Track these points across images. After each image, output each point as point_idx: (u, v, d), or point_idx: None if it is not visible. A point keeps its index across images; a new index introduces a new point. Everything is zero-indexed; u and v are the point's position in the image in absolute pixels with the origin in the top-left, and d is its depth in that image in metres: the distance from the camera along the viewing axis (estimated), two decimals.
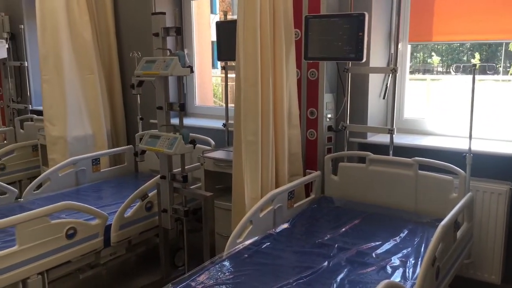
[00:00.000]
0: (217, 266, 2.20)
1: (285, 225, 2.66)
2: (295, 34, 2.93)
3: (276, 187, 2.82)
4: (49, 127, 3.79)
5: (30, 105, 4.99)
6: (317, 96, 3.04)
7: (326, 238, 2.48)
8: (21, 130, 4.81)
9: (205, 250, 2.76)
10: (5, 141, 4.87)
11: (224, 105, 3.59)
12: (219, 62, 4.61)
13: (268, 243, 2.43)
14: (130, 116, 4.32)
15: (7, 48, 4.82)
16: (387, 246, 2.36)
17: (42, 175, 3.46)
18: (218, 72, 7.13)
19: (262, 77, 2.66)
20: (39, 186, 3.40)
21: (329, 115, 3.09)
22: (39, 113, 4.70)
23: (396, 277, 2.05)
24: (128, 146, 4.04)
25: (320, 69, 2.99)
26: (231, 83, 3.99)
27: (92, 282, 3.10)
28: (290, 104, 2.91)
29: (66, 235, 2.54)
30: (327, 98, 3.05)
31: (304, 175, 3.06)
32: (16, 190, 3.28)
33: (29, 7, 4.86)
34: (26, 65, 4.92)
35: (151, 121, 4.11)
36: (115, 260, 2.97)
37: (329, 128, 3.10)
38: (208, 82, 4.65)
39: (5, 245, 2.44)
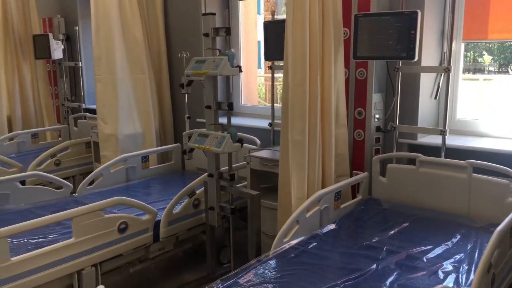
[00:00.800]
0: (264, 264, 2.21)
1: (332, 226, 2.64)
2: (344, 33, 2.90)
3: (323, 187, 2.80)
4: (101, 125, 3.94)
5: (84, 104, 5.20)
6: (365, 96, 2.99)
7: (374, 240, 2.43)
8: (75, 128, 5.03)
9: (250, 249, 2.78)
10: (59, 138, 5.11)
11: (268, 104, 3.60)
12: (262, 62, 4.62)
13: (315, 244, 2.42)
14: (178, 115, 4.41)
15: (62, 49, 5.05)
16: (438, 250, 2.29)
17: (95, 171, 3.60)
18: (261, 72, 7.17)
19: (310, 77, 2.65)
20: (92, 181, 3.54)
21: (377, 115, 3.04)
22: (92, 111, 4.90)
23: (449, 283, 1.99)
24: (176, 144, 4.13)
25: (369, 68, 2.94)
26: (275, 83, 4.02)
27: (141, 276, 3.19)
28: (338, 104, 2.88)
29: (118, 229, 2.63)
30: (375, 98, 3.00)
31: (351, 176, 3.03)
32: (71, 185, 3.44)
33: (83, 10, 5.08)
34: (80, 65, 5.14)
35: (198, 119, 4.19)
36: (163, 255, 3.05)
37: (377, 129, 3.05)
38: (254, 81, 4.67)
39: (61, 237, 2.57)
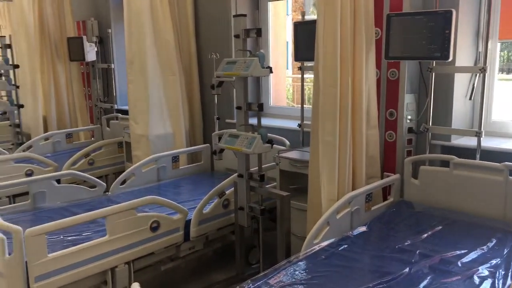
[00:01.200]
0: (294, 266, 2.21)
1: (363, 228, 2.61)
2: (375, 33, 2.86)
3: (353, 189, 2.78)
4: (133, 125, 4.01)
5: (116, 105, 5.32)
6: (397, 96, 2.95)
7: (406, 243, 2.39)
8: (107, 128, 5.15)
9: (280, 250, 2.78)
10: (92, 138, 5.24)
11: (296, 105, 3.59)
12: (290, 63, 4.61)
13: (345, 246, 2.40)
14: (207, 115, 4.46)
15: (95, 51, 5.18)
16: (473, 255, 2.23)
17: (127, 171, 3.67)
18: (289, 72, 7.15)
19: (341, 77, 2.63)
20: (124, 181, 3.61)
21: (409, 117, 2.99)
22: (124, 112, 5.01)
23: None
24: (205, 144, 4.18)
25: (401, 68, 2.90)
26: (299, 83, 4.01)
27: (171, 274, 3.24)
28: (369, 104, 2.85)
29: (150, 228, 2.68)
30: (407, 99, 2.95)
31: (382, 178, 2.99)
32: (104, 184, 3.52)
33: (116, 13, 5.19)
34: (113, 67, 5.25)
35: (227, 120, 4.22)
36: (193, 254, 3.09)
37: (410, 130, 3.00)
38: (282, 82, 4.67)
39: (95, 235, 2.63)
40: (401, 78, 2.91)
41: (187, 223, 2.92)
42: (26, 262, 2.22)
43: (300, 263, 2.24)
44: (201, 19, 4.34)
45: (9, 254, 2.20)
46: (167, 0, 4.07)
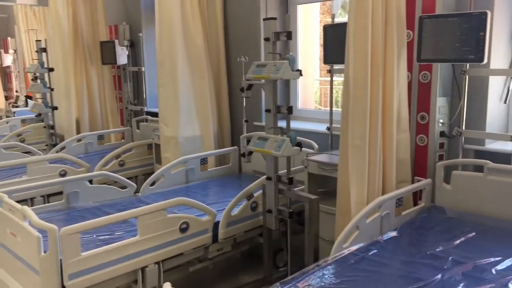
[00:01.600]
0: (323, 270, 2.20)
1: (393, 233, 2.57)
2: (407, 35, 2.83)
3: (383, 193, 2.75)
4: (163, 127, 4.08)
5: (145, 107, 5.42)
6: (429, 99, 2.90)
7: (438, 249, 2.35)
8: (137, 130, 5.24)
9: (308, 253, 2.77)
10: (123, 140, 5.35)
11: (323, 108, 3.57)
12: (317, 66, 4.60)
13: (375, 251, 2.37)
14: (235, 118, 4.48)
15: (127, 54, 5.29)
16: (508, 262, 2.17)
17: (156, 172, 3.73)
18: (316, 75, 7.10)
19: (371, 80, 2.61)
20: (153, 182, 3.67)
21: (441, 120, 2.93)
22: (153, 114, 5.09)
23: None
24: (233, 147, 4.20)
25: (433, 71, 2.85)
26: (326, 86, 3.99)
27: (199, 275, 3.27)
28: (400, 108, 2.81)
29: (179, 228, 2.71)
30: (440, 102, 2.90)
31: (412, 182, 2.94)
32: (135, 184, 3.58)
33: (147, 17, 5.29)
34: (143, 70, 5.35)
35: (255, 123, 4.23)
36: (221, 256, 3.11)
37: (442, 134, 2.94)
38: (310, 85, 4.65)
39: (126, 235, 2.68)
40: (433, 81, 2.86)
41: (216, 225, 2.94)
42: (60, 260, 2.28)
43: (329, 267, 2.23)
44: (230, 23, 4.38)
45: (45, 252, 2.26)
46: (197, 3, 4.12)
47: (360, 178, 2.63)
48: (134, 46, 5.47)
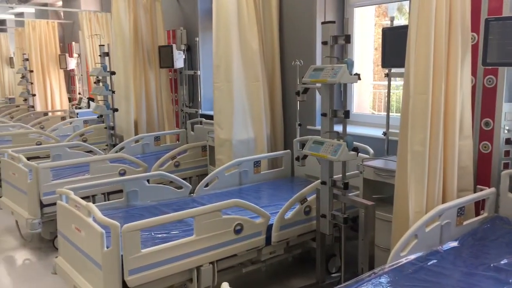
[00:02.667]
0: (379, 278, 2.15)
1: (453, 243, 2.48)
2: (472, 38, 2.72)
3: (443, 201, 2.65)
4: (217, 130, 4.15)
5: (200, 110, 5.54)
6: (493, 105, 2.78)
7: (502, 262, 2.24)
8: (192, 132, 5.37)
9: (362, 260, 2.72)
10: (177, 141, 5.49)
11: (377, 112, 3.49)
12: (371, 69, 4.50)
13: (435, 261, 2.30)
14: (288, 121, 4.49)
15: (183, 58, 5.43)
16: None
17: (211, 174, 3.80)
18: (370, 79, 6.98)
19: (433, 85, 2.53)
20: (207, 183, 3.74)
21: (507, 127, 2.80)
22: (208, 117, 5.19)
23: None
24: (286, 150, 4.20)
25: (499, 75, 2.73)
26: (380, 90, 3.88)
27: (252, 277, 3.30)
28: (463, 113, 2.70)
29: (234, 230, 2.75)
30: (506, 108, 2.76)
31: (475, 191, 2.81)
32: (190, 185, 3.67)
33: (204, 22, 5.41)
34: (199, 73, 5.47)
35: (309, 127, 4.21)
36: (273, 259, 3.12)
37: (507, 141, 2.80)
38: (366, 90, 4.58)
39: (183, 234, 2.75)
40: (499, 85, 2.73)
41: (269, 228, 2.95)
42: (121, 255, 2.37)
43: (386, 275, 2.18)
44: (285, 26, 4.39)
45: (107, 247, 2.37)
46: (253, 8, 4.17)
47: (419, 185, 2.56)
48: (190, 50, 5.61)
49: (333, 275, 3.19)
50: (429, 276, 2.16)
